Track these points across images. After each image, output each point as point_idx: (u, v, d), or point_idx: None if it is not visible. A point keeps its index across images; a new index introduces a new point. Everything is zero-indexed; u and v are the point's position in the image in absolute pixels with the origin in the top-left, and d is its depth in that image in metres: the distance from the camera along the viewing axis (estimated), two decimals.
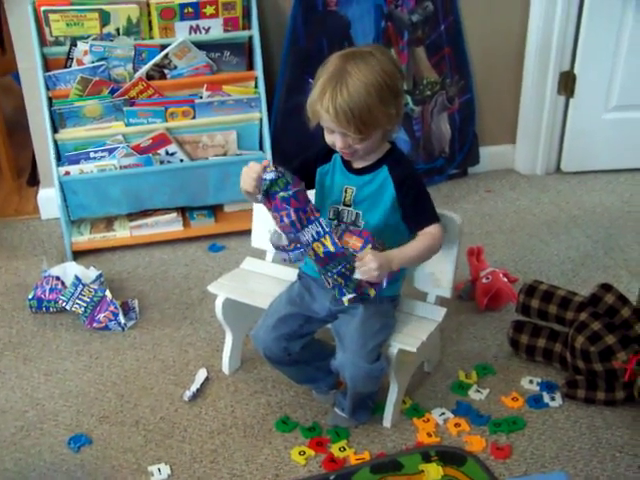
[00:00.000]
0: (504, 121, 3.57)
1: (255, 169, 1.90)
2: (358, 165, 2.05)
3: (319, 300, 2.13)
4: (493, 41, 3.39)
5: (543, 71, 3.40)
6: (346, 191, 2.05)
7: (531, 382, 2.34)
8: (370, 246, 1.93)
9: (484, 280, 2.65)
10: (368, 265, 1.87)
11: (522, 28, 3.37)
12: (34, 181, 3.56)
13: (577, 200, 3.40)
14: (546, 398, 2.28)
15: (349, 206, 2.06)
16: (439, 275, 2.19)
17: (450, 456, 2.08)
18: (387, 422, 2.19)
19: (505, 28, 3.37)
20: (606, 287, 2.27)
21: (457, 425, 2.18)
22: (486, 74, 3.44)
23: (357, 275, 1.90)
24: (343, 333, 2.08)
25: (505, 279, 2.68)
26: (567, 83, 3.42)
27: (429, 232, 2.01)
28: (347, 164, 2.06)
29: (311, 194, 2.05)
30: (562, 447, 2.12)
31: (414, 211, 2.03)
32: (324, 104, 1.89)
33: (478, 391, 2.30)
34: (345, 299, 1.96)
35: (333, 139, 1.96)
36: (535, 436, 2.15)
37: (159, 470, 2.07)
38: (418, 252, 2.00)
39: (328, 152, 2.07)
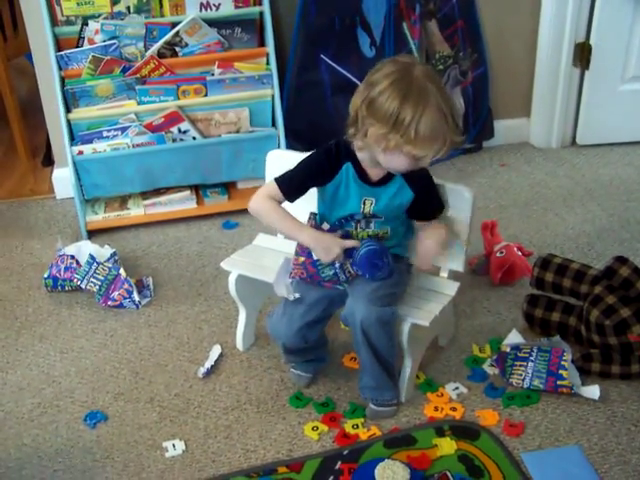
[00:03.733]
0: (518, 94, 3.54)
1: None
2: (375, 176, 2.03)
3: None
4: (506, 13, 3.35)
5: (558, 42, 3.36)
6: (364, 202, 2.03)
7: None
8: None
9: (498, 254, 2.64)
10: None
11: None
12: (49, 161, 3.58)
13: (593, 173, 3.37)
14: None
15: (369, 217, 2.05)
16: (452, 249, 2.18)
17: (464, 430, 2.09)
18: (401, 397, 2.19)
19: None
20: (621, 260, 2.25)
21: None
22: (500, 47, 3.40)
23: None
24: (355, 285, 2.06)
25: (519, 253, 2.67)
26: (582, 54, 3.38)
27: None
28: (362, 176, 2.02)
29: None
30: (576, 421, 2.11)
31: (429, 204, 2.07)
32: (409, 135, 1.83)
33: (492, 365, 2.30)
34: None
35: (398, 164, 1.92)
36: (549, 410, 2.14)
37: (174, 446, 2.08)
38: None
39: (332, 168, 2.02)
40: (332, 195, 2.05)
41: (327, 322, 2.19)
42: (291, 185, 2.03)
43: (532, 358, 2.20)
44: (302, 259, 2.06)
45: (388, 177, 2.02)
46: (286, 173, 2.05)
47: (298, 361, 2.26)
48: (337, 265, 2.03)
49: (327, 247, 1.99)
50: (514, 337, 2.28)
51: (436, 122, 1.83)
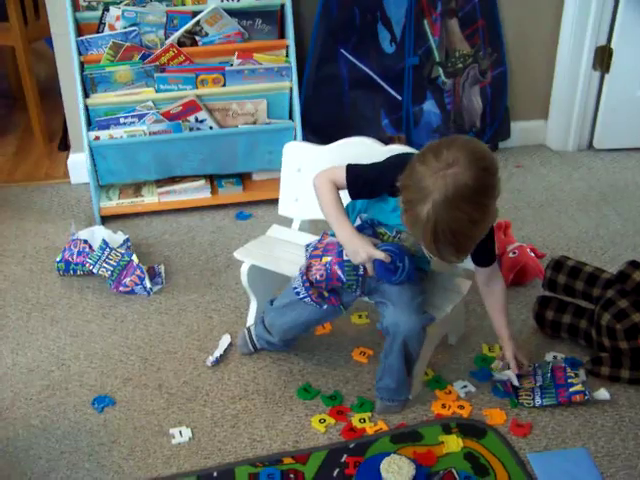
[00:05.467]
0: (537, 96, 3.53)
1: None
2: None
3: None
4: (528, 14, 3.34)
5: (579, 45, 3.35)
6: None
7: (555, 358, 2.32)
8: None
9: (511, 255, 2.63)
10: None
11: (558, 1, 3.32)
12: (65, 146, 3.59)
13: (609, 177, 3.36)
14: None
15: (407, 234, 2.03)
16: None
17: (470, 428, 2.08)
18: (409, 393, 2.19)
19: (541, 1, 3.32)
20: (634, 264, 2.24)
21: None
22: (520, 47, 3.39)
23: None
24: (387, 290, 2.04)
25: (532, 254, 2.66)
26: (603, 58, 3.36)
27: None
28: None
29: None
30: (584, 424, 2.10)
31: (487, 249, 2.04)
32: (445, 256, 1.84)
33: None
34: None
35: None
36: (557, 412, 2.14)
37: (180, 433, 2.09)
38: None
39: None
40: (384, 201, 2.04)
41: None
42: (357, 182, 2.01)
43: (537, 380, 2.20)
44: (327, 259, 2.02)
45: None
46: (359, 167, 2.01)
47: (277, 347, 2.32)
48: (361, 273, 2.01)
49: (355, 250, 1.96)
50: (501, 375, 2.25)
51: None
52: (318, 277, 2.02)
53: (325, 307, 2.08)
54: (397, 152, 2.08)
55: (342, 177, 2.01)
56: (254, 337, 2.33)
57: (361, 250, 1.95)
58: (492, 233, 2.04)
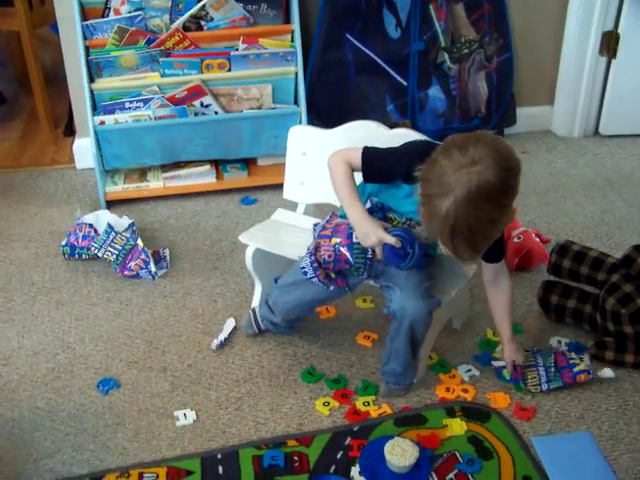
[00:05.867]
0: (543, 81, 3.52)
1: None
2: None
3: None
4: None
5: (585, 30, 3.33)
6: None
7: (559, 342, 2.32)
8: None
9: (516, 240, 2.63)
10: None
11: None
12: (70, 131, 3.59)
13: (615, 163, 3.35)
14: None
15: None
16: None
17: (474, 412, 2.09)
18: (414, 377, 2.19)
19: None
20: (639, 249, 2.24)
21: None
22: (526, 33, 3.38)
23: None
24: (394, 275, 2.04)
25: (537, 239, 2.66)
26: (610, 43, 3.35)
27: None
28: None
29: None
30: (588, 408, 2.11)
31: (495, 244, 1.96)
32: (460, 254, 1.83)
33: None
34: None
35: None
36: (561, 396, 2.14)
37: (185, 415, 2.10)
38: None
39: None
40: (397, 187, 2.02)
41: None
42: (372, 166, 1.98)
43: (539, 363, 2.19)
44: (337, 240, 2.01)
45: None
46: (376, 150, 1.99)
47: (278, 330, 2.33)
48: (369, 256, 2.00)
49: (366, 233, 1.94)
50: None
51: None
52: (326, 257, 2.02)
53: (331, 288, 2.08)
54: (403, 136, 2.08)
55: (357, 159, 1.98)
56: (259, 318, 2.33)
57: (372, 233, 1.93)
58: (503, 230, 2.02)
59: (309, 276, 2.06)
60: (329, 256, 2.02)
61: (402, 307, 2.02)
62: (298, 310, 2.23)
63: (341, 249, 2.00)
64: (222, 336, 2.35)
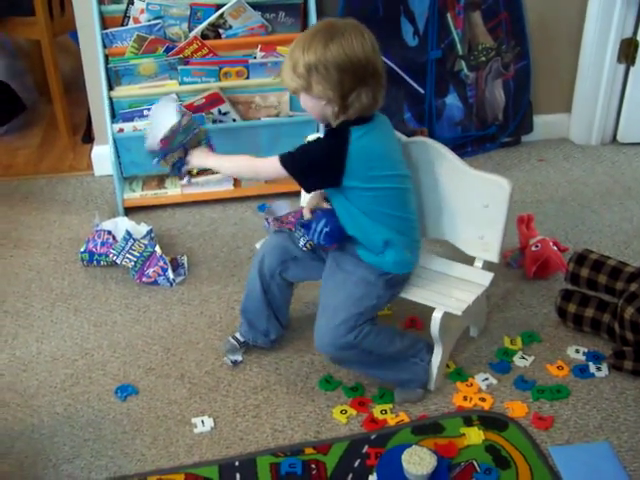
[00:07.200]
0: (560, 89, 3.51)
1: None
2: None
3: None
4: (552, 6, 3.32)
5: (603, 38, 3.32)
6: None
7: (577, 351, 2.32)
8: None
9: (533, 248, 2.62)
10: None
11: None
12: (89, 138, 3.61)
13: (633, 172, 3.33)
14: (592, 368, 2.25)
15: None
16: (488, 239, 2.18)
17: (492, 421, 2.08)
18: (430, 385, 2.19)
19: None
20: None
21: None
22: (543, 40, 3.37)
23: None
24: (321, 295, 2.13)
25: (555, 248, 2.65)
26: (628, 51, 3.34)
27: (264, 159, 2.12)
28: None
29: None
30: (606, 418, 2.10)
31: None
32: None
33: (523, 358, 2.29)
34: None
35: None
36: (579, 405, 2.13)
37: (202, 422, 2.11)
38: (236, 165, 2.21)
39: None
40: None
41: (300, 275, 2.28)
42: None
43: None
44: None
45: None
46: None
47: (252, 313, 2.30)
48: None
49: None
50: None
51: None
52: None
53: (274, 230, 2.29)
54: (420, 144, 2.13)
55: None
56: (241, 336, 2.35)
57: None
58: (304, 147, 2.10)
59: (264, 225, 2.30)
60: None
61: (315, 336, 2.10)
62: (286, 247, 2.25)
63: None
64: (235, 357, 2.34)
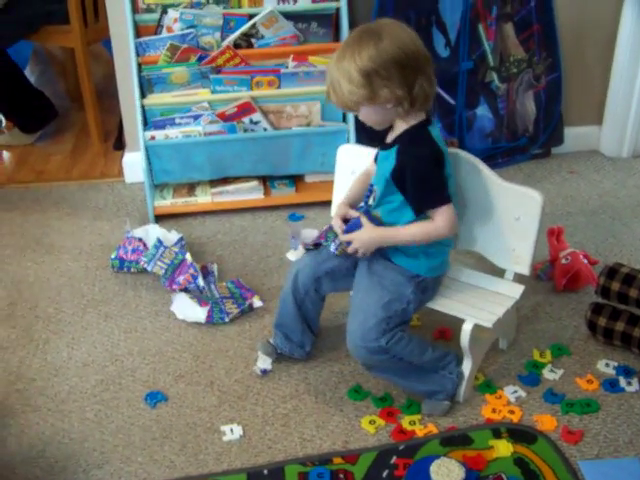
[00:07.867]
0: (591, 101, 3.49)
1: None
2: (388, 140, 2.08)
3: None
4: (585, 19, 3.30)
5: (636, 50, 3.30)
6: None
7: (607, 365, 2.30)
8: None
9: (563, 261, 2.61)
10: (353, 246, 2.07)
11: (617, 5, 3.28)
12: (120, 145, 3.65)
13: None
14: (622, 383, 2.24)
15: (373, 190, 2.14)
16: (519, 252, 2.17)
17: (521, 434, 2.08)
18: (459, 397, 2.18)
19: (598, 5, 3.29)
20: None
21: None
22: (575, 52, 3.36)
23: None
24: (353, 298, 2.14)
25: (585, 261, 2.64)
26: None
27: (432, 219, 2.03)
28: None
29: None
30: (637, 433, 2.08)
31: (414, 193, 2.01)
32: None
33: (552, 371, 2.28)
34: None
35: None
36: (609, 420, 2.12)
37: (232, 430, 2.12)
38: (412, 237, 2.05)
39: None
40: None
41: (335, 288, 2.27)
42: None
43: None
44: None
45: (390, 145, 2.06)
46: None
47: (287, 327, 2.30)
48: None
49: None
50: None
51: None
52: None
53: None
54: (450, 155, 2.12)
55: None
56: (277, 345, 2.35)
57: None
58: (425, 178, 2.01)
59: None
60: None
61: (348, 341, 2.10)
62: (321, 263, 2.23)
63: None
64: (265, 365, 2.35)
